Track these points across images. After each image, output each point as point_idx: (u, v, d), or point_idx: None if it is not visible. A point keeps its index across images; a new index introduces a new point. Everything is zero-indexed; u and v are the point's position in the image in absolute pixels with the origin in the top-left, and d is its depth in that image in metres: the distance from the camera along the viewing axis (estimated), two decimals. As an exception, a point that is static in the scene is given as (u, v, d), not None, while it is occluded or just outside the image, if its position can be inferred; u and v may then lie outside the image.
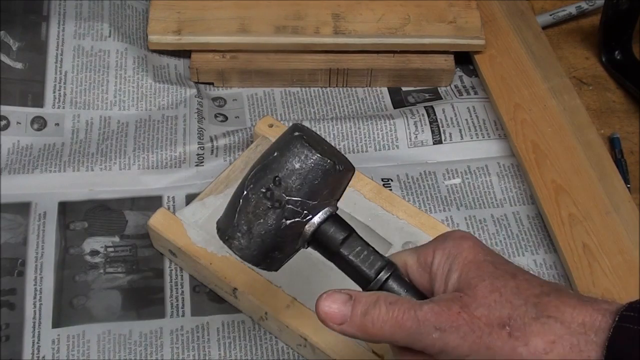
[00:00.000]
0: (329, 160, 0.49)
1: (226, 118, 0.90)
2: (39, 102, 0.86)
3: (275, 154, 0.49)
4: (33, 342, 0.70)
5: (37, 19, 0.90)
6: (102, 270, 0.75)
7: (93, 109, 0.87)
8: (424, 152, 0.87)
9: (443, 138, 0.88)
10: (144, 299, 0.74)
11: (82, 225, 0.78)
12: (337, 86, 0.93)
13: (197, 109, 0.88)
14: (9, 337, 0.70)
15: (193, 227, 0.74)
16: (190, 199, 0.80)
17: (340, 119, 0.89)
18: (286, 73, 0.92)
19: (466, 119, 0.89)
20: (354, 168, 0.51)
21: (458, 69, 0.95)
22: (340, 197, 0.52)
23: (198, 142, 0.85)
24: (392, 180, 0.83)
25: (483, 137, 0.88)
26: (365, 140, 0.87)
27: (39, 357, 0.69)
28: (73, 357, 0.69)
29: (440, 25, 0.92)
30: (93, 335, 0.71)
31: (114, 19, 0.92)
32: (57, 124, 0.85)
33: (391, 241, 0.74)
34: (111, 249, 0.77)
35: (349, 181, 0.52)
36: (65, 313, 0.72)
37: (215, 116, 0.89)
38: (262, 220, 0.49)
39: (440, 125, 0.88)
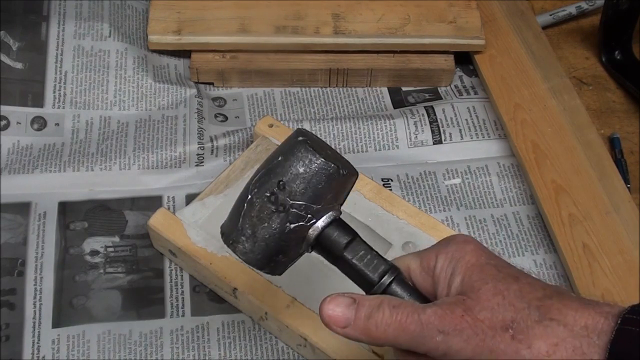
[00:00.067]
0: (332, 165, 0.49)
1: (226, 118, 0.90)
2: (39, 102, 0.86)
3: (280, 159, 0.50)
4: (33, 342, 0.70)
5: (37, 19, 0.90)
6: (102, 270, 0.75)
7: (93, 109, 0.87)
8: (424, 152, 0.87)
9: (443, 138, 0.88)
10: (144, 299, 0.74)
11: (82, 225, 0.78)
12: (337, 86, 0.93)
13: (197, 109, 0.88)
14: (9, 337, 0.70)
15: (193, 227, 0.74)
16: (190, 199, 0.80)
17: (340, 119, 0.89)
18: (286, 73, 0.92)
19: (466, 119, 0.89)
20: (357, 173, 0.52)
21: (458, 69, 0.95)
22: (344, 201, 0.52)
23: (198, 142, 0.85)
24: (392, 180, 0.83)
25: (483, 137, 0.88)
26: (365, 140, 0.87)
27: (39, 357, 0.69)
28: (73, 357, 0.69)
29: (440, 25, 0.92)
30: (93, 335, 0.71)
31: (114, 19, 0.92)
32: (57, 124, 0.85)
33: (391, 241, 0.74)
34: (111, 249, 0.77)
35: (353, 186, 0.52)
36: (65, 313, 0.72)
37: (215, 116, 0.89)
38: (266, 224, 0.49)
39: (440, 125, 0.88)
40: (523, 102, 0.88)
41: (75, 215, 0.79)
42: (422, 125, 0.88)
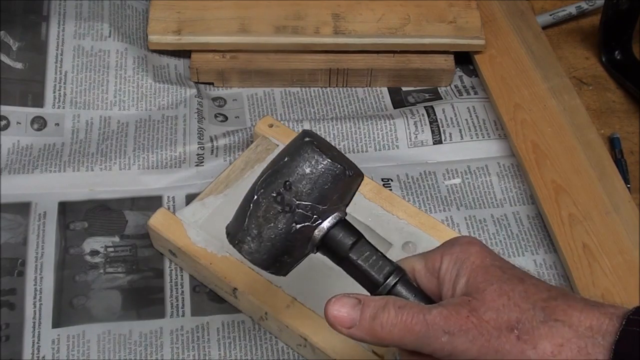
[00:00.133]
0: (339, 166, 0.49)
1: (226, 118, 0.90)
2: (39, 102, 0.86)
3: (286, 159, 0.50)
4: (33, 342, 0.70)
5: (37, 19, 0.90)
6: (102, 270, 0.75)
7: (93, 109, 0.87)
8: (424, 152, 0.87)
9: (443, 138, 0.88)
10: (144, 299, 0.74)
11: (82, 225, 0.78)
12: (337, 86, 0.93)
13: (197, 109, 0.88)
14: (9, 337, 0.70)
15: (193, 227, 0.74)
16: (190, 199, 0.80)
17: (340, 119, 0.89)
18: (286, 73, 0.92)
19: (466, 119, 0.89)
20: (362, 174, 0.52)
21: (458, 69, 0.95)
22: (349, 202, 0.52)
23: (198, 142, 0.85)
24: (392, 180, 0.83)
25: (483, 137, 0.88)
26: (365, 140, 0.87)
27: (39, 357, 0.69)
28: (73, 357, 0.69)
29: (440, 25, 0.92)
30: (93, 335, 0.71)
31: (114, 19, 0.92)
32: (57, 124, 0.85)
33: (391, 241, 0.74)
34: (111, 249, 0.77)
35: (358, 187, 0.52)
36: (65, 313, 0.72)
37: (215, 116, 0.89)
38: (272, 224, 0.50)
39: (440, 125, 0.88)
40: (523, 102, 0.88)
41: (75, 215, 0.79)
42: (422, 125, 0.88)
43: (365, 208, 0.76)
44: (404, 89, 0.94)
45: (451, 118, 0.89)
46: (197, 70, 0.91)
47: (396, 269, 0.51)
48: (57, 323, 0.71)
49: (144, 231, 0.77)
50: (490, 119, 0.90)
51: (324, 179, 0.49)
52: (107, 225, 0.79)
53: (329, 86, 0.93)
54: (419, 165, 0.86)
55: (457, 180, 0.84)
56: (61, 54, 0.89)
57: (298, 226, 0.50)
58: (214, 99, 0.91)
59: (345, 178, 0.50)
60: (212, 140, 0.86)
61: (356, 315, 0.48)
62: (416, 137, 0.87)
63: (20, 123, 0.84)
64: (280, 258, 0.51)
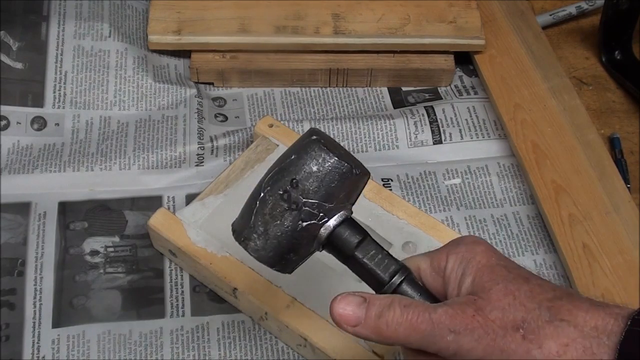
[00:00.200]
0: (346, 164, 0.50)
1: (226, 118, 0.90)
2: (39, 102, 0.86)
3: (293, 157, 0.50)
4: (33, 342, 0.70)
5: (37, 19, 0.90)
6: (102, 270, 0.75)
7: (93, 109, 0.87)
8: (424, 152, 0.87)
9: (443, 138, 0.88)
10: (144, 299, 0.74)
11: (82, 225, 0.78)
12: (337, 86, 0.93)
13: (197, 109, 0.88)
14: (9, 337, 0.70)
15: (193, 227, 0.74)
16: (190, 199, 0.80)
17: (340, 119, 0.89)
18: (286, 73, 0.92)
19: (466, 119, 0.89)
20: (369, 173, 0.52)
21: (458, 69, 0.95)
22: (356, 201, 0.52)
23: (198, 142, 0.85)
24: (392, 180, 0.83)
25: (483, 137, 0.88)
26: (365, 140, 0.87)
27: (39, 357, 0.69)
28: (73, 357, 0.69)
29: (440, 25, 0.92)
30: (93, 335, 0.71)
31: (114, 19, 0.92)
32: (57, 124, 0.85)
33: (391, 241, 0.74)
34: (111, 249, 0.77)
35: (364, 186, 0.53)
36: (65, 313, 0.72)
37: (215, 116, 0.89)
38: (278, 222, 0.50)
39: (440, 125, 0.88)
40: (523, 102, 0.88)
41: (75, 215, 0.79)
42: (422, 125, 0.88)
43: (365, 208, 0.76)
44: (404, 89, 0.94)
45: (451, 118, 0.89)
46: (197, 70, 0.91)
47: (402, 267, 0.51)
48: (57, 323, 0.71)
49: (144, 231, 0.77)
50: (490, 119, 0.90)
51: (331, 177, 0.49)
52: (107, 225, 0.79)
53: (329, 86, 0.93)
54: (419, 165, 0.86)
55: (457, 180, 0.84)
56: (61, 54, 0.89)
57: (304, 224, 0.50)
58: (214, 99, 0.91)
59: (352, 176, 0.50)
60: (212, 140, 0.86)
61: (361, 314, 0.48)
62: (416, 137, 0.87)
63: (20, 123, 0.84)
64: (286, 256, 0.51)
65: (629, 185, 0.83)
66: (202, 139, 0.85)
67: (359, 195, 0.53)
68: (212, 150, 0.85)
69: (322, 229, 0.50)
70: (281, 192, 0.49)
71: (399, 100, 0.93)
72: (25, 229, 0.77)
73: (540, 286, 0.47)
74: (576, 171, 0.81)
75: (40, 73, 0.88)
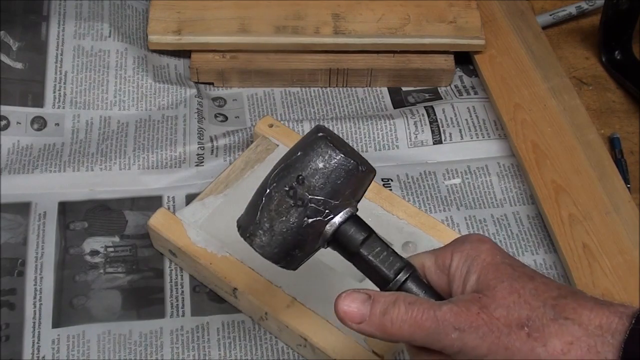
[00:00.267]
0: (352, 161, 0.50)
1: (226, 118, 0.90)
2: (39, 102, 0.86)
3: (299, 154, 0.50)
4: (33, 342, 0.70)
5: (37, 19, 0.90)
6: (102, 270, 0.75)
7: (93, 109, 0.87)
8: (424, 152, 0.87)
9: (443, 138, 0.88)
10: (144, 299, 0.74)
11: (82, 225, 0.78)
12: (337, 86, 0.93)
13: (197, 109, 0.88)
14: (9, 337, 0.70)
15: (193, 227, 0.74)
16: (190, 199, 0.80)
17: (340, 119, 0.89)
18: (286, 73, 0.92)
19: (466, 119, 0.89)
20: (375, 170, 0.52)
21: (458, 69, 0.95)
22: (361, 198, 0.53)
23: (198, 142, 0.85)
24: (392, 180, 0.83)
25: (483, 137, 0.88)
26: (365, 140, 0.87)
27: (39, 357, 0.69)
28: (73, 357, 0.69)
29: (440, 25, 0.92)
30: (93, 335, 0.71)
31: (114, 19, 0.92)
32: (57, 124, 0.85)
33: (391, 241, 0.74)
34: (111, 249, 0.77)
35: (370, 183, 0.53)
36: (65, 313, 0.72)
37: (215, 116, 0.89)
38: (284, 218, 0.50)
39: (440, 125, 0.88)
40: (523, 102, 0.88)
41: (75, 215, 0.79)
42: (422, 125, 0.88)
43: (365, 208, 0.76)
44: (404, 89, 0.94)
45: (451, 118, 0.89)
46: (197, 70, 0.91)
47: (406, 265, 0.51)
48: (57, 323, 0.71)
49: (144, 231, 0.77)
50: (490, 119, 0.90)
51: (337, 173, 0.50)
52: (107, 225, 0.79)
53: (329, 86, 0.93)
54: (419, 165, 0.86)
55: (457, 180, 0.84)
56: (61, 54, 0.89)
57: (310, 220, 0.50)
58: (214, 99, 0.91)
59: (358, 173, 0.50)
60: (212, 140, 0.86)
61: (366, 311, 0.48)
62: (416, 137, 0.87)
63: (20, 123, 0.84)
64: (291, 252, 0.51)
65: (629, 185, 0.83)
66: (202, 139, 0.85)
67: (365, 192, 0.53)
68: (212, 150, 0.85)
69: (327, 225, 0.50)
70: (287, 189, 0.50)
71: (399, 100, 0.93)
72: (25, 229, 0.77)
73: (545, 284, 0.47)
74: (576, 171, 0.81)
75: (40, 73, 0.88)
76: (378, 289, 0.51)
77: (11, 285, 0.73)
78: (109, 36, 0.91)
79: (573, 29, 1.01)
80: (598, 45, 0.98)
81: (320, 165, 0.49)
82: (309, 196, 0.49)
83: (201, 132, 0.86)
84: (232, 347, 0.71)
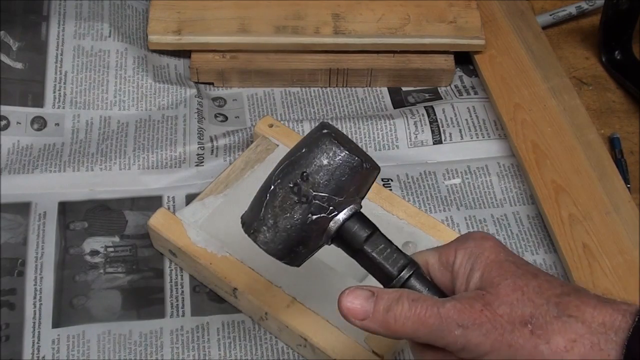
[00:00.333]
0: (356, 158, 0.50)
1: (226, 118, 0.90)
2: (39, 102, 0.86)
3: (304, 150, 0.50)
4: (33, 342, 0.70)
5: (37, 19, 0.90)
6: (102, 270, 0.75)
7: (93, 109, 0.87)
8: (424, 152, 0.87)
9: (443, 138, 0.88)
10: (144, 299, 0.74)
11: (82, 225, 0.78)
12: (337, 86, 0.93)
13: (197, 109, 0.88)
14: (9, 337, 0.70)
15: (193, 227, 0.74)
16: (190, 199, 0.80)
17: (340, 119, 0.89)
18: (286, 73, 0.92)
19: (466, 119, 0.89)
20: (379, 167, 0.52)
21: (458, 69, 0.95)
22: (365, 195, 0.53)
23: (198, 142, 0.85)
24: (392, 180, 0.83)
25: (483, 137, 0.88)
26: (365, 140, 0.87)
27: (39, 357, 0.69)
28: (73, 357, 0.69)
29: (440, 25, 0.92)
30: (93, 335, 0.71)
31: (114, 19, 0.92)
32: (57, 124, 0.85)
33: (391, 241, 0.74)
34: (111, 249, 0.77)
35: (374, 180, 0.53)
36: (65, 313, 0.72)
37: (215, 116, 0.89)
38: (288, 215, 0.50)
39: (440, 125, 0.88)
40: (523, 102, 0.88)
41: (75, 215, 0.79)
42: (422, 125, 0.88)
43: (365, 208, 0.76)
44: (404, 89, 0.94)
45: (451, 118, 0.89)
46: (197, 70, 0.91)
47: (410, 262, 0.51)
48: (57, 323, 0.71)
49: (144, 231, 0.77)
50: (490, 119, 0.90)
51: (341, 170, 0.50)
52: (107, 225, 0.79)
53: (329, 86, 0.93)
54: (419, 165, 0.86)
55: (457, 180, 0.84)
56: (61, 54, 0.89)
57: (314, 217, 0.50)
58: (214, 99, 0.91)
59: (362, 170, 0.50)
60: (212, 140, 0.86)
61: (369, 308, 0.48)
62: (416, 137, 0.87)
63: (20, 123, 0.84)
64: (295, 248, 0.51)
65: (629, 185, 0.83)
66: (202, 139, 0.85)
67: (369, 189, 0.53)
68: (212, 150, 0.85)
69: (331, 222, 0.51)
70: (291, 185, 0.50)
71: (399, 100, 0.93)
72: (25, 229, 0.77)
73: (548, 282, 0.47)
74: (576, 171, 0.81)
75: (40, 73, 0.88)
76: (381, 287, 0.51)
77: (11, 285, 0.73)
78: (109, 36, 0.91)
79: (573, 29, 1.01)
80: (598, 45, 0.98)
81: (325, 162, 0.50)
82: (313, 193, 0.50)
83: (201, 132, 0.86)
84: (232, 347, 0.71)
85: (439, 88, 0.94)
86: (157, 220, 0.74)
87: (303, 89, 0.93)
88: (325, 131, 0.51)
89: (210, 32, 0.90)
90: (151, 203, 0.80)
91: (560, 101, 0.88)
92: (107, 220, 0.79)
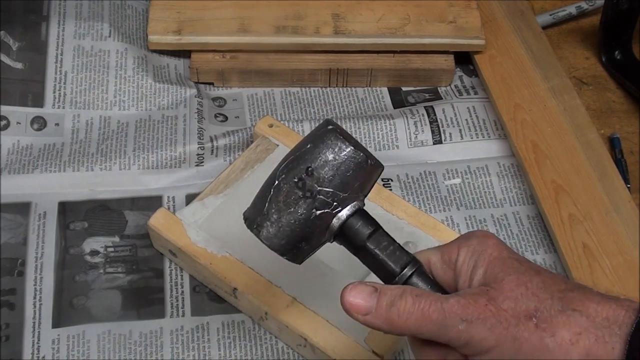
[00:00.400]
0: (361, 154, 0.50)
1: (226, 118, 0.90)
2: (39, 102, 0.86)
3: (309, 146, 0.51)
4: (33, 342, 0.70)
5: (37, 19, 0.90)
6: (102, 270, 0.75)
7: (93, 109, 0.87)
8: (424, 152, 0.87)
9: (443, 138, 0.88)
10: (144, 299, 0.74)
11: (82, 225, 0.78)
12: (337, 86, 0.93)
13: (197, 109, 0.88)
14: (9, 337, 0.70)
15: (193, 227, 0.74)
16: (190, 199, 0.80)
17: (340, 119, 0.89)
18: (286, 73, 0.92)
19: (466, 119, 0.89)
20: (382, 166, 0.52)
21: (458, 69, 0.95)
22: (368, 193, 0.53)
23: (198, 142, 0.85)
24: (392, 180, 0.83)
25: (483, 137, 0.88)
26: (365, 140, 0.87)
27: (39, 357, 0.69)
28: (73, 357, 0.69)
29: (440, 25, 0.92)
30: (93, 335, 0.71)
31: (114, 19, 0.92)
32: (57, 124, 0.85)
33: (391, 241, 0.74)
34: (111, 249, 0.77)
35: (378, 178, 0.53)
36: (65, 313, 0.72)
37: (215, 116, 0.89)
38: (292, 209, 0.50)
39: (440, 125, 0.88)
40: (523, 102, 0.88)
41: (75, 215, 0.79)
42: (422, 125, 0.88)
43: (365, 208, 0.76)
44: (404, 89, 0.94)
45: (451, 118, 0.89)
46: (197, 70, 0.91)
47: (413, 260, 0.51)
48: (57, 323, 0.71)
49: (144, 231, 0.77)
50: (490, 119, 0.90)
51: (346, 166, 0.50)
52: (107, 225, 0.79)
53: (329, 86, 0.93)
54: (419, 165, 0.86)
55: (457, 180, 0.84)
56: (61, 54, 0.89)
57: (318, 212, 0.50)
58: (214, 99, 0.91)
59: (367, 166, 0.51)
60: (212, 140, 0.86)
61: (372, 303, 0.48)
62: (416, 137, 0.87)
63: (20, 123, 0.84)
64: (298, 244, 0.51)
65: (629, 185, 0.83)
66: (202, 139, 0.85)
67: (372, 187, 0.53)
68: (212, 150, 0.85)
69: (335, 218, 0.51)
70: (296, 180, 0.50)
71: (399, 100, 0.93)
72: (25, 229, 0.77)
73: (551, 279, 0.48)
74: (576, 171, 0.81)
75: (40, 73, 0.88)
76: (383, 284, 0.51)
77: (11, 285, 0.73)
78: (109, 36, 0.91)
79: (573, 29, 1.01)
80: (598, 45, 0.98)
81: (330, 157, 0.50)
82: (318, 188, 0.50)
83: (201, 132, 0.86)
84: (232, 347, 0.71)
85: (439, 88, 0.94)
86: (157, 220, 0.74)
87: (303, 89, 0.93)
88: (330, 127, 0.51)
89: (210, 32, 0.90)
90: (151, 203, 0.80)
91: (560, 101, 0.88)
92: (107, 220, 0.79)
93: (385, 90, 0.94)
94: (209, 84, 0.93)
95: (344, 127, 0.87)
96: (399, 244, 0.52)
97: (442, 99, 0.92)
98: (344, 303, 0.49)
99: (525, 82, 0.90)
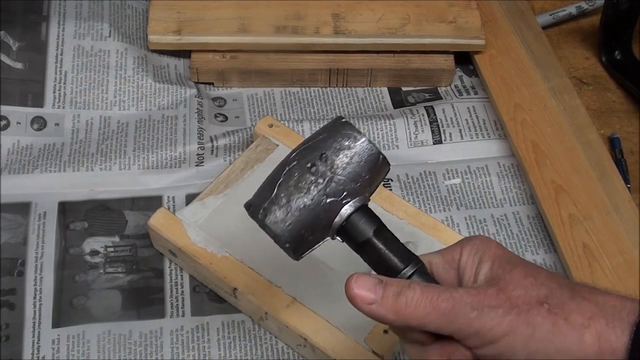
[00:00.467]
0: (375, 147, 0.51)
1: (226, 118, 0.90)
2: (39, 102, 0.86)
3: (323, 136, 0.51)
4: (33, 342, 0.70)
5: (37, 19, 0.90)
6: (102, 270, 0.75)
7: (93, 109, 0.87)
8: (424, 152, 0.87)
9: (443, 138, 0.88)
10: (144, 299, 0.74)
11: (82, 225, 0.78)
12: (337, 86, 0.93)
13: (197, 109, 0.88)
14: (9, 337, 0.70)
15: (193, 227, 0.74)
16: (190, 199, 0.80)
17: (340, 119, 0.89)
18: (286, 73, 0.92)
19: (466, 119, 0.89)
20: (389, 164, 0.53)
21: (458, 69, 0.95)
22: (374, 191, 0.53)
23: (198, 142, 0.85)
24: (392, 180, 0.83)
25: (483, 137, 0.88)
26: (365, 140, 0.87)
27: (39, 357, 0.69)
28: (73, 357, 0.69)
29: (440, 25, 0.92)
30: (93, 335, 0.71)
31: (114, 19, 0.92)
32: (57, 124, 0.86)
33: (391, 241, 0.74)
34: (111, 249, 0.77)
35: (384, 176, 0.53)
36: (65, 313, 0.72)
37: (215, 116, 0.89)
38: (303, 193, 0.50)
39: (440, 125, 0.88)
40: (523, 102, 0.88)
41: (75, 215, 0.79)
42: (422, 125, 0.88)
43: (365, 208, 0.76)
44: (404, 89, 0.94)
45: (451, 118, 0.89)
46: (197, 70, 0.91)
47: (416, 258, 0.51)
48: (57, 323, 0.71)
49: (144, 231, 0.77)
50: (490, 119, 0.90)
51: (360, 156, 0.51)
52: (107, 225, 0.79)
53: (329, 86, 0.93)
54: (419, 165, 0.86)
55: (457, 180, 0.84)
56: (61, 54, 0.89)
57: (328, 200, 0.50)
58: (214, 99, 0.91)
59: (379, 161, 0.51)
60: (212, 140, 0.86)
61: (378, 292, 0.48)
62: (416, 137, 0.87)
63: (20, 123, 0.84)
64: (303, 232, 0.51)
65: (629, 185, 0.83)
66: (202, 139, 0.85)
67: (378, 185, 0.53)
68: (212, 150, 0.85)
69: (341, 210, 0.51)
70: (309, 165, 0.50)
71: (399, 100, 0.93)
72: (25, 229, 0.77)
73: (555, 274, 0.49)
74: (576, 171, 0.81)
75: (40, 73, 0.88)
76: None
77: (11, 285, 0.73)
78: (109, 36, 0.91)
79: (573, 29, 1.01)
80: (598, 45, 0.98)
81: (345, 144, 0.51)
82: (331, 174, 0.50)
83: (201, 132, 0.86)
84: (232, 347, 0.71)
85: (439, 88, 0.94)
86: (157, 220, 0.74)
87: (303, 89, 0.93)
88: (344, 120, 0.52)
89: (210, 32, 0.90)
90: (151, 203, 0.80)
91: (560, 101, 0.88)
92: (107, 220, 0.79)
93: (385, 90, 0.94)
94: (209, 84, 0.93)
95: (344, 127, 0.87)
96: (401, 242, 0.52)
97: (442, 99, 0.92)
98: (348, 293, 0.48)
99: (525, 82, 0.90)
